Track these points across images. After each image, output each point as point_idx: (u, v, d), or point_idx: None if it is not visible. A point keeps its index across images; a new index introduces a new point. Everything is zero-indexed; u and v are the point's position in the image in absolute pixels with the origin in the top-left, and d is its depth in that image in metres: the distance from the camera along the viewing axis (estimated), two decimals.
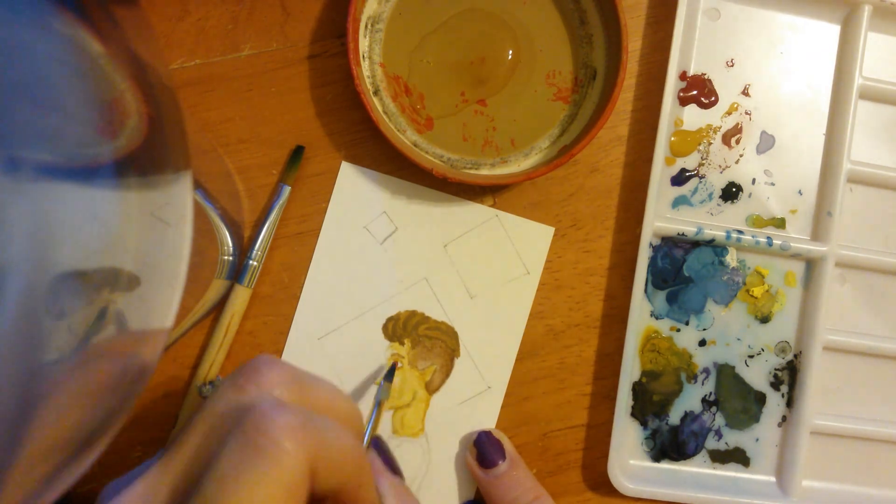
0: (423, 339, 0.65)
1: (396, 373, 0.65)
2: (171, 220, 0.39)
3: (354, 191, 0.64)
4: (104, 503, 0.43)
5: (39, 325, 0.28)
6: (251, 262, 0.62)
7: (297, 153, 0.63)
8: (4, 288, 0.26)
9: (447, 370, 0.65)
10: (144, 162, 0.36)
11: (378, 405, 0.59)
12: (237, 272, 0.62)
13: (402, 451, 0.65)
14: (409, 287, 0.65)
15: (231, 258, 0.62)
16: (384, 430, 0.65)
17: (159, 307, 0.39)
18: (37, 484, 0.32)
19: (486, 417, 0.66)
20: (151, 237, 0.36)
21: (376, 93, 0.62)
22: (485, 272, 0.66)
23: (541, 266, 0.66)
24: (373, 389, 0.64)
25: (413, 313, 0.65)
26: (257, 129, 0.64)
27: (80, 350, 0.31)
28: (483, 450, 0.63)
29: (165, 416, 0.64)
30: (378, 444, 0.60)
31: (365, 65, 0.62)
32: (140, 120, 0.35)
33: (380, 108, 0.62)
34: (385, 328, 0.65)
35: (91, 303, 0.32)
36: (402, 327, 0.65)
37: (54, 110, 0.30)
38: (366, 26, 0.61)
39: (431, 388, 0.65)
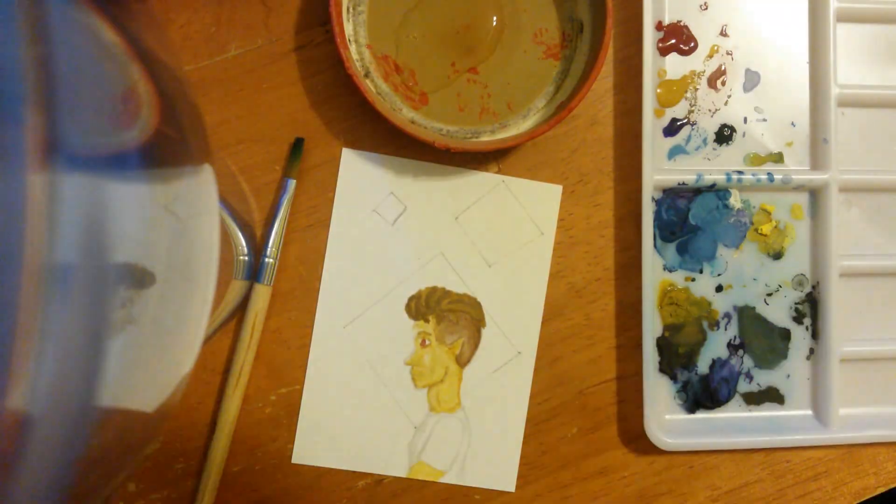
0: (447, 313, 0.65)
1: (426, 350, 0.64)
2: (196, 213, 0.39)
3: (358, 176, 0.64)
4: None
5: (105, 319, 0.28)
6: (267, 259, 0.62)
7: (298, 146, 0.63)
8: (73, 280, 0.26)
9: (475, 341, 0.65)
10: (162, 153, 0.36)
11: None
12: (254, 271, 0.62)
13: (440, 427, 0.65)
14: (427, 263, 0.65)
15: (246, 258, 0.61)
16: (421, 409, 0.64)
17: (192, 301, 0.39)
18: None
19: (521, 382, 0.65)
20: (178, 231, 0.36)
21: (367, 75, 0.62)
22: (499, 239, 0.66)
23: (554, 225, 0.66)
24: (405, 371, 0.64)
25: (434, 289, 0.65)
26: (254, 127, 0.64)
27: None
28: None
29: (201, 425, 0.63)
30: None
31: (352, 48, 0.62)
32: (152, 110, 0.36)
33: (373, 90, 0.62)
34: (408, 307, 0.65)
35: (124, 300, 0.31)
36: (425, 304, 0.65)
37: (93, 104, 0.30)
38: (348, 10, 0.61)
39: (462, 361, 0.65)
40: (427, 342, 0.65)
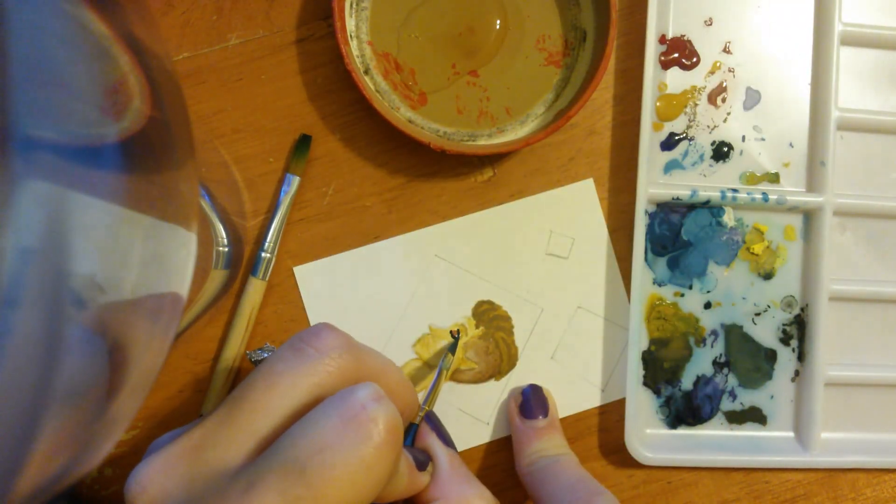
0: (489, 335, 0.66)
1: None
2: (178, 211, 0.38)
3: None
4: (151, 453, 0.45)
5: (61, 326, 0.28)
6: (264, 254, 0.62)
7: (304, 142, 0.63)
8: (25, 283, 0.25)
9: (478, 380, 0.65)
10: (149, 148, 0.35)
11: (439, 374, 0.61)
12: (243, 263, 0.62)
13: None
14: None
15: (226, 249, 0.61)
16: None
17: (162, 306, 0.39)
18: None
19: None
20: (157, 231, 0.36)
21: (367, 72, 0.62)
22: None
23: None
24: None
25: (492, 305, 0.66)
26: (251, 117, 0.63)
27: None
28: (529, 401, 0.63)
29: (184, 413, 0.63)
30: (431, 419, 0.60)
31: (353, 44, 0.62)
32: (143, 102, 0.35)
33: (372, 87, 0.62)
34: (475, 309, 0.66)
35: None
36: (482, 314, 0.66)
37: (62, 88, 0.29)
38: (351, 5, 0.61)
39: (455, 377, 0.65)
40: (458, 335, 0.64)
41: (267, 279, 0.63)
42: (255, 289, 0.63)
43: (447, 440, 0.60)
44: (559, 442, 0.62)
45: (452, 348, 0.62)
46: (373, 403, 0.43)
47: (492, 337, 0.65)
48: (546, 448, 0.61)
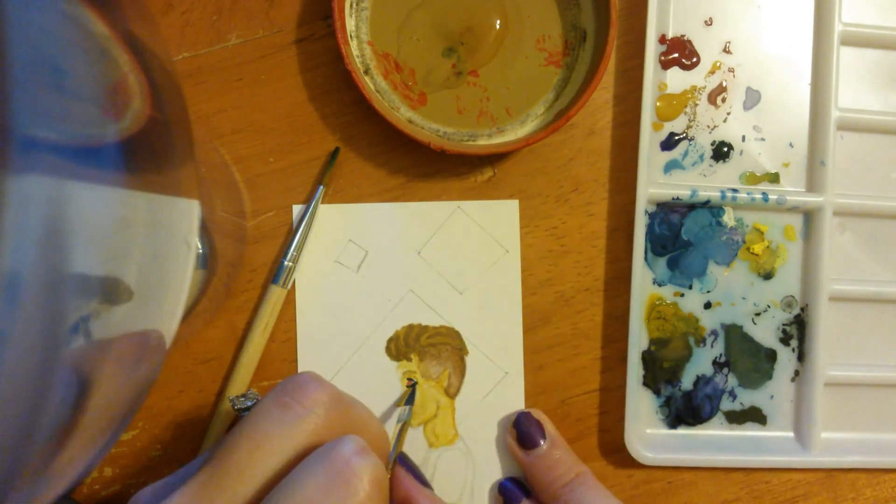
0: (427, 348, 0.65)
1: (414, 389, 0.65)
2: (176, 212, 0.38)
3: (315, 230, 0.65)
4: None
5: (59, 328, 0.28)
6: (286, 263, 0.63)
7: (334, 155, 0.64)
8: (22, 285, 0.25)
9: (461, 370, 0.65)
10: (149, 148, 0.35)
11: (402, 427, 0.60)
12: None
13: (442, 461, 0.65)
14: (398, 303, 0.65)
15: (200, 251, 0.61)
16: (420, 447, 0.65)
17: (163, 305, 0.38)
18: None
19: (514, 401, 0.66)
20: (156, 231, 0.36)
21: (367, 72, 0.62)
22: (465, 265, 0.66)
23: (517, 241, 0.66)
24: (393, 417, 0.65)
25: (410, 327, 0.65)
26: (250, 117, 0.63)
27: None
28: (523, 430, 0.62)
29: (180, 413, 0.63)
30: (403, 460, 0.60)
31: (353, 44, 0.62)
32: (143, 102, 0.35)
33: (372, 87, 0.62)
34: (388, 350, 0.65)
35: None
36: (404, 344, 0.65)
37: (62, 88, 0.29)
38: (351, 5, 0.61)
39: (452, 393, 0.65)
40: (414, 382, 0.65)
41: (288, 287, 0.63)
42: (276, 296, 0.63)
43: (423, 480, 0.59)
44: (570, 460, 0.62)
45: (410, 399, 0.63)
46: (357, 458, 0.44)
47: (425, 348, 0.65)
48: (562, 474, 0.61)
